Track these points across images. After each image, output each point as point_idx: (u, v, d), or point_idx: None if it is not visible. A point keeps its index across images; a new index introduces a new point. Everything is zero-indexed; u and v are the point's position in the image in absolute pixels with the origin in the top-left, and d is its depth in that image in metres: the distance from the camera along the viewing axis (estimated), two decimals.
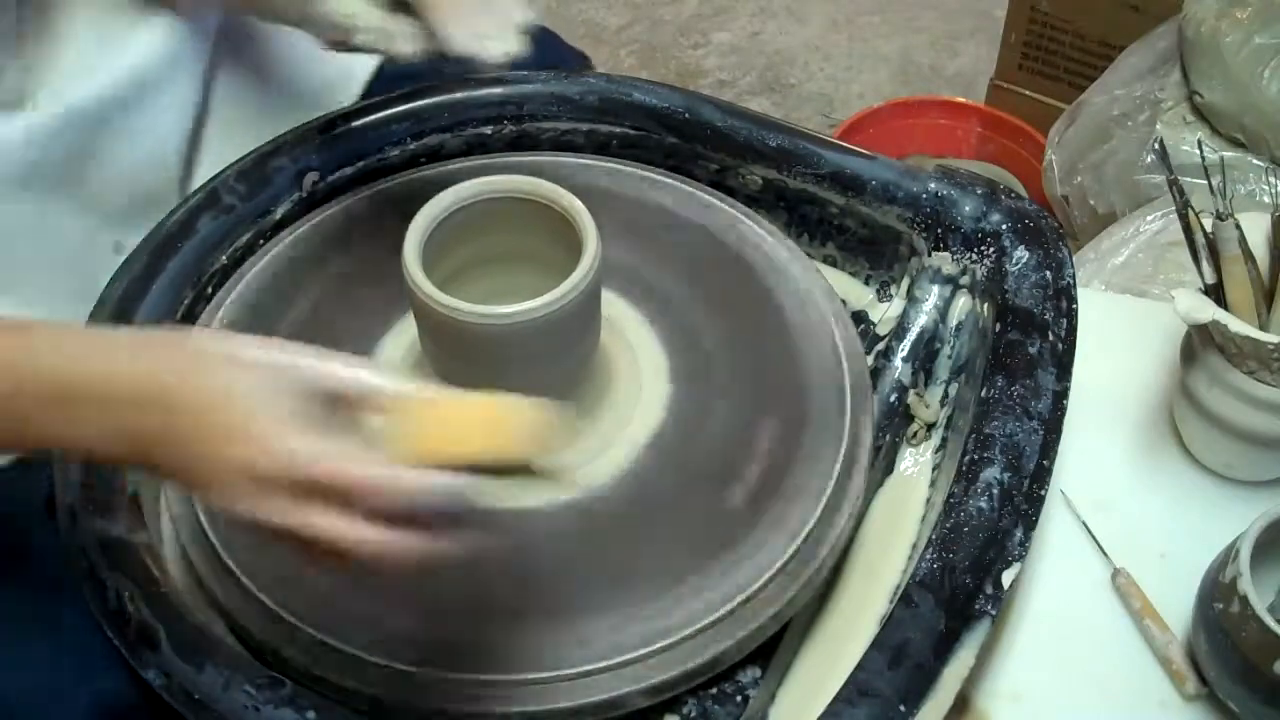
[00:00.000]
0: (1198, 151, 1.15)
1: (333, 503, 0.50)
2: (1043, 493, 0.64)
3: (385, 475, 0.50)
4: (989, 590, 0.60)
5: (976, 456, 0.65)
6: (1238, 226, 0.77)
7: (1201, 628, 0.70)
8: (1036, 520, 0.63)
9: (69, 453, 0.59)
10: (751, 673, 0.65)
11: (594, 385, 0.70)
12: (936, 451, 0.78)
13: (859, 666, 0.57)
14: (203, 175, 0.83)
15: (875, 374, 0.78)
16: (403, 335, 0.74)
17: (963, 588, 0.60)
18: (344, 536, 0.50)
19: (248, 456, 0.49)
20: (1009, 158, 1.72)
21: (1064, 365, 0.70)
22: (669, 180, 0.83)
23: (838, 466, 0.67)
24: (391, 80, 0.88)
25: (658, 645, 0.61)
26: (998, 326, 0.72)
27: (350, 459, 0.50)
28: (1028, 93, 1.74)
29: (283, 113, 0.85)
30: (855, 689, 0.56)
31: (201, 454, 0.50)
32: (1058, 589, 0.78)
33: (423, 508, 0.51)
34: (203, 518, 0.65)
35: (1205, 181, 0.82)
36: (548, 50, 0.96)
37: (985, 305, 0.77)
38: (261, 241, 0.80)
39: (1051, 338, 0.71)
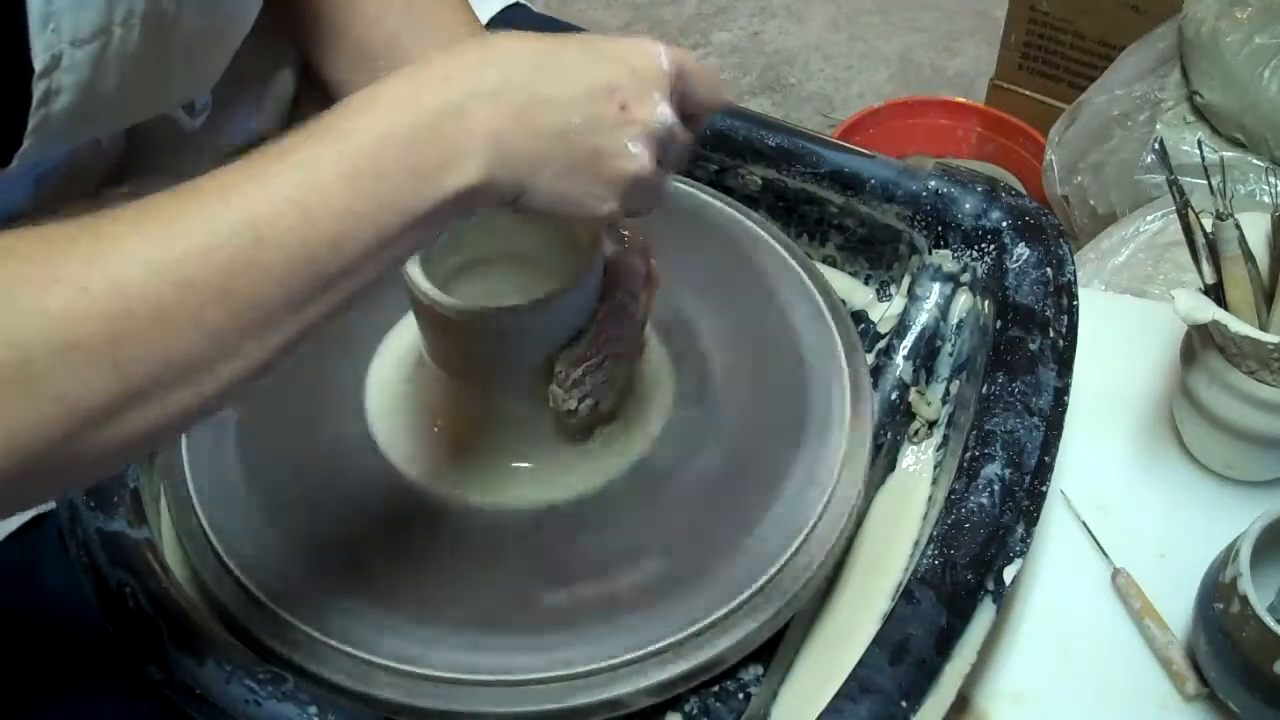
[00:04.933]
0: (1198, 151, 1.15)
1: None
2: (1044, 489, 0.64)
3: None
4: (990, 586, 0.61)
5: (978, 453, 0.65)
6: (1238, 226, 0.77)
7: (1201, 628, 0.70)
8: (1038, 516, 0.63)
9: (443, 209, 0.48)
10: (754, 670, 0.65)
11: None
12: (938, 449, 0.78)
13: (861, 663, 0.57)
14: None
15: (876, 372, 0.78)
16: (403, 335, 0.74)
17: (964, 584, 0.60)
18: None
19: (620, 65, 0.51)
20: (1009, 158, 1.72)
21: (1065, 362, 0.70)
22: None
23: (839, 464, 0.67)
24: None
25: (658, 645, 0.61)
26: (998, 323, 0.73)
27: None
28: (1028, 93, 1.74)
29: None
30: (857, 685, 0.56)
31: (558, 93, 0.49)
32: (1058, 589, 0.78)
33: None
34: (203, 518, 0.65)
35: (1205, 181, 0.82)
36: None
37: (986, 302, 0.77)
38: None
39: (1052, 334, 0.71)
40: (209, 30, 0.65)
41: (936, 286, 0.80)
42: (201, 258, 0.43)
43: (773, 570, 0.63)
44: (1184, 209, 0.78)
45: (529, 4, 1.06)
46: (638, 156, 0.51)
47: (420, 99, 0.48)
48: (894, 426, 0.77)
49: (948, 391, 0.79)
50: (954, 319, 0.79)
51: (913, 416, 0.79)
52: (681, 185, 0.83)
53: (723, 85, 0.56)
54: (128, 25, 0.57)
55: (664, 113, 0.52)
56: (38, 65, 0.54)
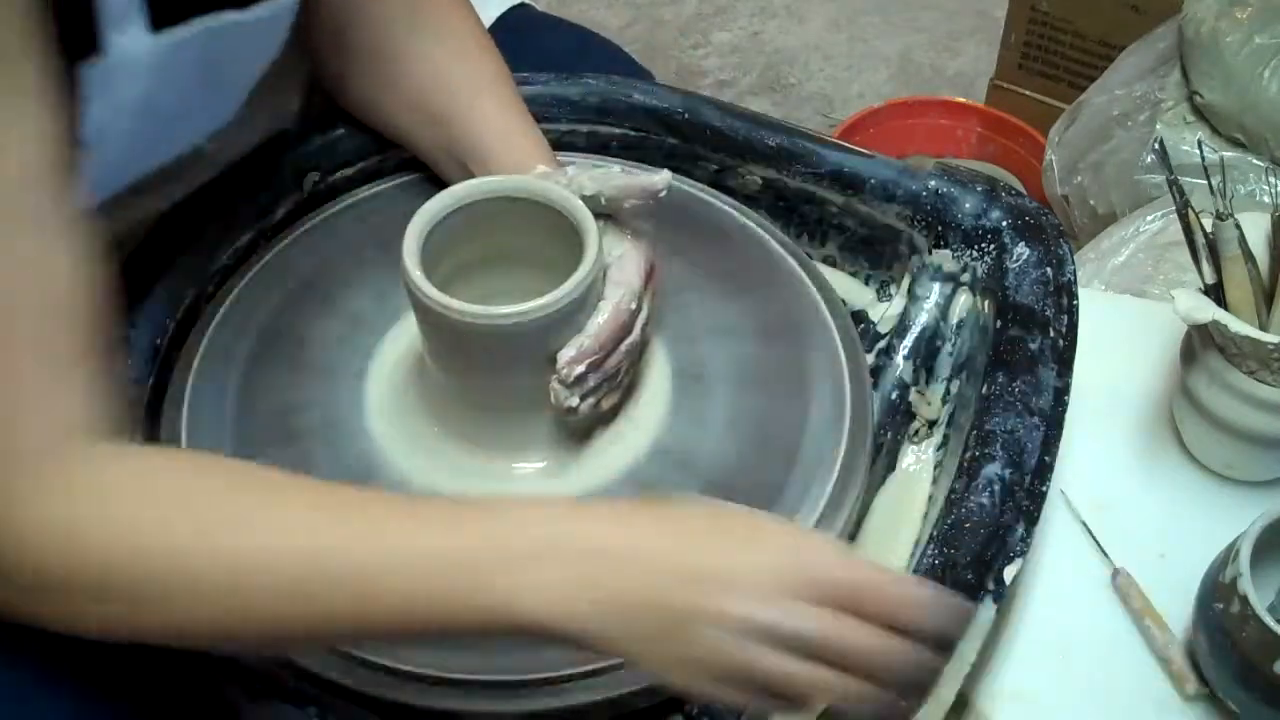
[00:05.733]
0: (1198, 151, 1.14)
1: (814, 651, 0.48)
2: (1044, 489, 0.64)
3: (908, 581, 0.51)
4: (990, 586, 0.61)
5: (978, 453, 0.65)
6: (1238, 226, 0.77)
7: (1201, 628, 0.70)
8: (1038, 516, 0.63)
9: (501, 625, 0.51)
10: None
11: None
12: (938, 448, 0.78)
13: None
14: None
15: (877, 372, 0.78)
16: (403, 335, 0.74)
17: (964, 583, 0.60)
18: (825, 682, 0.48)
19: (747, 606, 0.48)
20: (1009, 158, 1.72)
21: (1065, 362, 0.70)
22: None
23: (839, 464, 0.67)
24: None
25: None
26: (999, 323, 0.73)
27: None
28: (1028, 93, 1.74)
29: None
30: None
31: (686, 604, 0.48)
32: (1058, 589, 0.78)
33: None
34: None
35: (1205, 181, 0.82)
36: (619, 69, 0.97)
37: (986, 302, 0.77)
38: (261, 241, 0.80)
39: (1052, 334, 0.71)
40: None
41: (936, 286, 0.80)
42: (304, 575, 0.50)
43: None
44: (1184, 209, 0.78)
45: (533, 3, 1.06)
46: (754, 660, 0.48)
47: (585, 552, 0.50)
48: (894, 426, 0.77)
49: (948, 391, 0.79)
50: (954, 319, 0.79)
51: (913, 416, 0.79)
52: (682, 185, 0.83)
53: (921, 610, 0.50)
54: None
55: (785, 620, 0.48)
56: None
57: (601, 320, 0.65)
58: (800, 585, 0.49)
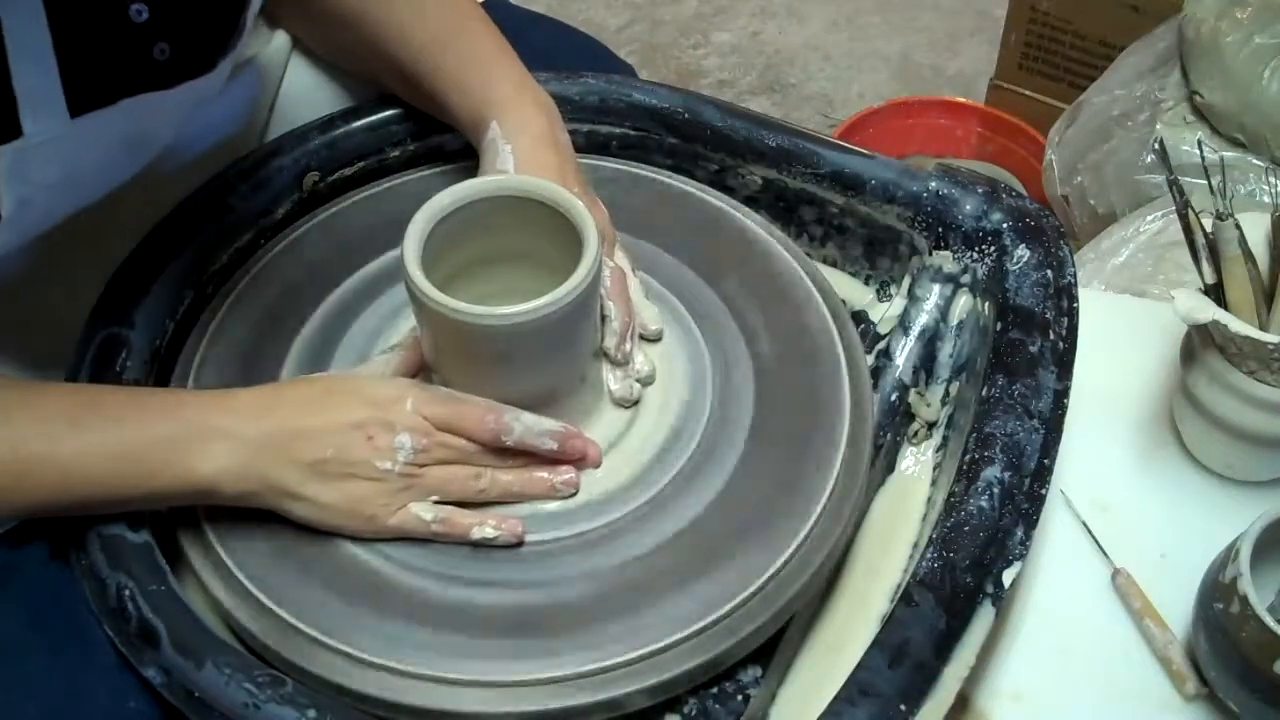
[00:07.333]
0: (1198, 151, 1.15)
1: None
2: (1043, 492, 0.64)
3: (506, 408, 0.64)
4: (990, 589, 0.60)
5: (977, 455, 0.65)
6: (1238, 226, 0.77)
7: (1201, 628, 0.70)
8: (1037, 519, 0.63)
9: (193, 495, 0.63)
10: (752, 672, 0.65)
11: (595, 386, 0.70)
12: (938, 450, 0.78)
13: (860, 665, 0.57)
14: None
15: (876, 373, 0.78)
16: (403, 335, 0.74)
17: (963, 586, 0.60)
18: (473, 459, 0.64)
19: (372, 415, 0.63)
20: (1009, 158, 1.72)
21: (1065, 364, 0.70)
22: (669, 180, 0.83)
23: (838, 465, 0.67)
24: None
25: (658, 645, 0.61)
26: (999, 325, 0.72)
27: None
28: (1028, 93, 1.74)
29: None
30: (856, 688, 0.56)
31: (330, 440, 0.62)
32: (1058, 589, 0.78)
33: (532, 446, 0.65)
34: (203, 519, 0.65)
35: (1205, 181, 0.82)
36: (598, 62, 0.96)
37: (986, 304, 0.77)
38: (261, 241, 0.80)
39: (1052, 336, 0.71)
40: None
41: (936, 288, 0.80)
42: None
43: (771, 571, 0.63)
44: (1184, 209, 0.78)
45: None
46: (389, 471, 0.62)
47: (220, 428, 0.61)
48: (893, 428, 0.77)
49: (947, 393, 0.79)
50: (954, 320, 0.79)
51: (912, 418, 0.79)
52: (682, 185, 0.83)
53: (486, 429, 0.65)
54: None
55: (402, 441, 0.63)
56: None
57: (614, 300, 0.70)
58: (416, 420, 0.63)
